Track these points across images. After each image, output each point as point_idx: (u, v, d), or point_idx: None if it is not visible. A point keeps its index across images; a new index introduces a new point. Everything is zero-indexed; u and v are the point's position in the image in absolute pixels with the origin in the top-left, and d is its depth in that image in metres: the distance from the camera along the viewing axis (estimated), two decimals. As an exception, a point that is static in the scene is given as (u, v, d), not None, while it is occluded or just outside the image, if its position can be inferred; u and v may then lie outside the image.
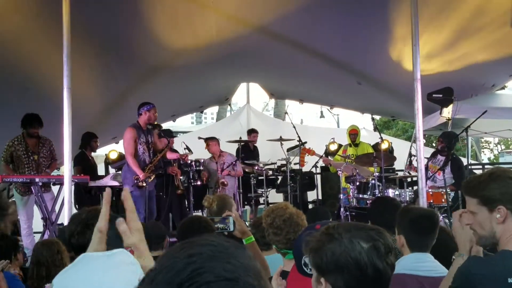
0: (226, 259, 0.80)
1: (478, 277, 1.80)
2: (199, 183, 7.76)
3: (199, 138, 8.35)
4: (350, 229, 1.44)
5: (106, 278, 1.22)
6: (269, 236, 2.64)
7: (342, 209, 7.15)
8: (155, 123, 6.67)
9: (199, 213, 7.86)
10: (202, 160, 7.93)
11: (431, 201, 6.46)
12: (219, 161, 7.89)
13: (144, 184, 6.03)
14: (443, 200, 6.62)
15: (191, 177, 7.58)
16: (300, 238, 2.01)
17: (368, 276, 1.39)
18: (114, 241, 2.18)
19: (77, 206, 7.82)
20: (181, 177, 7.52)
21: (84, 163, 7.55)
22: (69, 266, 1.29)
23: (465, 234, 2.22)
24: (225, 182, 7.65)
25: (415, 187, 6.93)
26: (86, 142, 7.71)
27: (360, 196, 6.99)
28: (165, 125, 9.09)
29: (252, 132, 9.37)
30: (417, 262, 2.44)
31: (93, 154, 8.07)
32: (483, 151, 26.94)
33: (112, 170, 8.24)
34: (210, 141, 7.98)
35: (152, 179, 6.23)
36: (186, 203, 7.82)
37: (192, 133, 12.60)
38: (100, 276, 1.22)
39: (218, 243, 0.84)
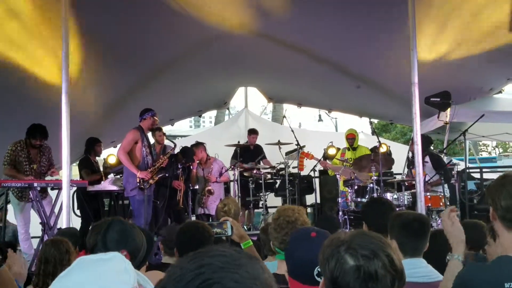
0: (235, 270, 0.80)
1: (476, 283, 1.81)
2: (197, 187, 7.77)
3: (197, 142, 8.33)
4: (351, 241, 1.40)
5: (98, 286, 1.23)
6: (270, 230, 2.69)
7: (340, 213, 7.16)
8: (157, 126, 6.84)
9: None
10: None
11: (429, 204, 6.46)
12: (206, 167, 7.85)
13: (147, 186, 6.10)
14: (441, 204, 6.63)
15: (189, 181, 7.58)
16: (293, 249, 2.00)
17: None
18: (112, 244, 2.20)
19: (78, 210, 7.86)
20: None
21: (89, 167, 7.73)
22: (65, 271, 1.29)
23: (456, 234, 2.25)
24: (212, 191, 7.63)
25: (413, 191, 6.94)
26: (90, 147, 7.82)
27: (359, 199, 7.00)
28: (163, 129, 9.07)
29: (252, 132, 9.30)
30: (413, 269, 2.44)
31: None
32: (481, 154, 26.97)
33: (110, 175, 8.23)
34: (196, 148, 7.92)
35: (155, 180, 6.29)
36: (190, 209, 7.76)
37: (190, 137, 12.59)
38: (93, 284, 1.22)
39: (230, 253, 0.84)
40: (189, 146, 7.93)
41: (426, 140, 7.22)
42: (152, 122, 6.46)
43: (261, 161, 8.71)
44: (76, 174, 8.38)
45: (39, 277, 2.82)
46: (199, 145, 7.98)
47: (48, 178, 6.03)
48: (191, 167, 7.73)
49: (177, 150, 7.47)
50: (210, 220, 7.29)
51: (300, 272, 1.94)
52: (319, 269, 1.87)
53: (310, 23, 6.88)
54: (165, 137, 7.41)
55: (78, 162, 8.02)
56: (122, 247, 2.19)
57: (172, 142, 7.21)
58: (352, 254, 1.37)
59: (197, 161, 7.87)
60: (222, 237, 2.71)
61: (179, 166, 7.20)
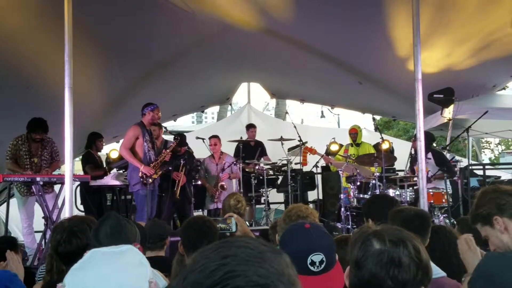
0: (260, 264, 0.79)
1: (497, 271, 1.82)
2: (199, 183, 7.76)
3: (197, 138, 8.34)
4: (381, 229, 1.41)
5: (117, 279, 1.23)
6: (279, 221, 2.73)
7: (342, 209, 7.16)
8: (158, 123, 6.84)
9: (199, 213, 7.87)
10: (203, 160, 7.93)
11: (432, 201, 6.45)
12: (219, 162, 7.82)
13: (150, 181, 6.10)
14: (443, 200, 6.63)
15: (192, 177, 7.58)
16: (287, 240, 2.00)
17: (364, 277, 1.36)
18: (104, 238, 2.20)
19: (81, 205, 7.89)
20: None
21: (93, 162, 7.77)
22: (78, 263, 1.29)
23: (473, 257, 2.28)
24: (225, 186, 7.60)
25: (415, 187, 6.94)
26: (91, 142, 7.85)
27: (361, 196, 7.00)
28: (165, 125, 9.08)
29: (250, 127, 9.34)
30: None
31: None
32: (484, 152, 26.92)
33: (113, 170, 8.24)
34: (217, 139, 7.86)
35: (158, 175, 6.29)
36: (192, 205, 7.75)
37: (192, 132, 12.59)
38: (111, 277, 1.23)
39: (255, 246, 0.82)
40: (190, 141, 7.96)
41: (428, 136, 7.21)
42: (152, 117, 6.38)
43: (261, 158, 8.71)
44: (78, 169, 8.39)
45: (52, 273, 2.76)
46: (217, 137, 7.94)
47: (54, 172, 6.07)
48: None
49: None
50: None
51: (294, 263, 1.95)
52: (312, 258, 1.87)
53: (314, 20, 6.87)
54: (162, 132, 7.44)
55: (81, 157, 8.04)
56: (114, 241, 2.19)
57: (173, 134, 7.21)
58: (379, 239, 1.38)
59: (211, 154, 7.84)
60: (226, 233, 2.71)
61: (182, 160, 7.21)
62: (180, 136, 7.22)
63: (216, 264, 0.78)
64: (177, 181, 7.23)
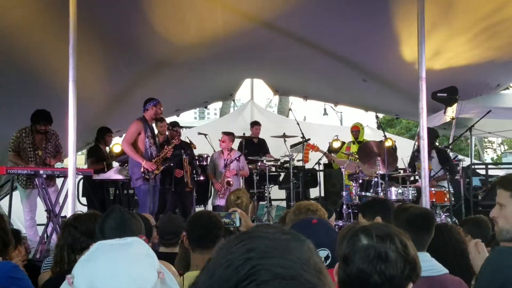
0: (284, 255, 0.77)
1: (505, 265, 1.83)
2: (202, 178, 7.76)
3: (199, 133, 8.34)
4: (369, 226, 1.42)
5: (126, 269, 1.24)
6: (289, 213, 2.79)
7: (344, 206, 7.17)
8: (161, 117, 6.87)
9: (201, 208, 7.88)
10: (206, 155, 7.92)
11: (434, 200, 6.45)
12: (228, 158, 7.79)
13: (152, 176, 6.10)
14: (445, 199, 6.62)
15: (194, 172, 7.58)
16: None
17: (351, 273, 1.36)
18: (109, 232, 2.21)
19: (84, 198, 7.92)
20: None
21: (97, 156, 7.80)
22: (86, 255, 1.30)
23: (482, 261, 2.29)
24: (231, 182, 7.59)
25: (417, 185, 6.93)
26: (100, 136, 7.94)
27: (363, 193, 7.00)
28: (168, 120, 9.09)
29: (254, 124, 9.33)
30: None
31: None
32: (486, 151, 26.87)
33: (115, 164, 8.26)
34: (228, 136, 7.83)
35: (160, 170, 6.29)
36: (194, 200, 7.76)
37: (195, 128, 12.60)
38: (121, 267, 1.24)
39: (277, 236, 0.81)
40: (190, 137, 7.97)
41: (432, 133, 7.18)
42: (155, 112, 6.35)
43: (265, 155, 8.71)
44: (81, 163, 8.43)
45: (62, 264, 2.74)
46: (231, 133, 7.92)
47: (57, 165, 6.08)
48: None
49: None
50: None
51: None
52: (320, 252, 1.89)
53: (318, 16, 6.86)
54: (167, 128, 7.45)
55: (87, 150, 8.09)
56: (119, 234, 2.20)
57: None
58: (367, 234, 1.38)
59: (220, 150, 7.88)
60: (230, 228, 2.71)
61: (184, 155, 7.22)
62: (172, 124, 7.37)
63: (241, 259, 0.77)
64: (184, 173, 7.25)
